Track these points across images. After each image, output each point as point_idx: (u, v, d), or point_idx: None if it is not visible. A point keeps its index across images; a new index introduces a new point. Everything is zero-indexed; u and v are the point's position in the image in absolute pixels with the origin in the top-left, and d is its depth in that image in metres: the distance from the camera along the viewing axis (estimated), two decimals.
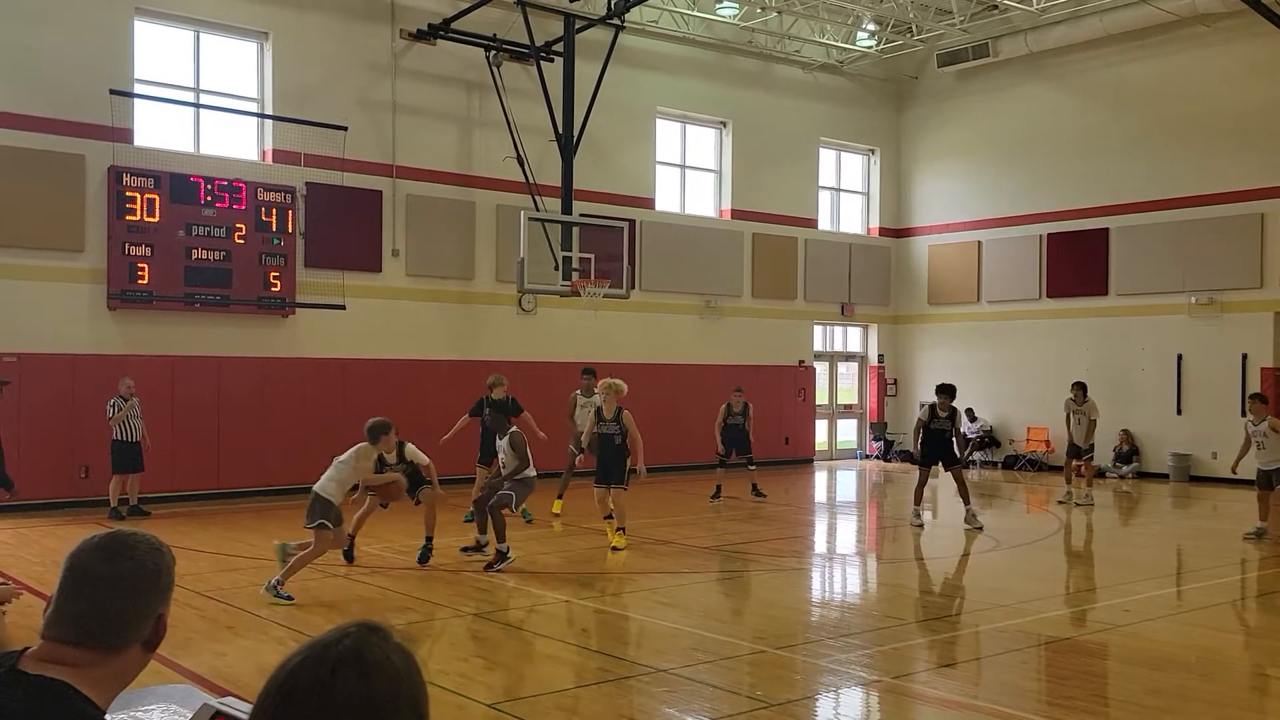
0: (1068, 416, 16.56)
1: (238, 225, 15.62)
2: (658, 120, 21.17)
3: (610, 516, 11.29)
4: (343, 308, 16.26)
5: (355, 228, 17.10)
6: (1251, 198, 18.96)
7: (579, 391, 14.41)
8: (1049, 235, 21.87)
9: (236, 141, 16.58)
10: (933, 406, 13.63)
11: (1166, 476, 19.84)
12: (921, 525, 13.32)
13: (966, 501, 13.20)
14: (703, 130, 22.20)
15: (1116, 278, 20.86)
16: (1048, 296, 21.94)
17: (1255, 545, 12.22)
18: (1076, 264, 21.37)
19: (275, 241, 16.02)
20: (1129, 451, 20.48)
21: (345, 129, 16.32)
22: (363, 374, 17.12)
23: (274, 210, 16.00)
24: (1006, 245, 22.56)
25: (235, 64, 16.61)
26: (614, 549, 11.01)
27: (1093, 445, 16.56)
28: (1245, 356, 19.15)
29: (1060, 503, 16.26)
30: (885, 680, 6.66)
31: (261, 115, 16.59)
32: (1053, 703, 6.17)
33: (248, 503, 15.07)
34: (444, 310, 18.20)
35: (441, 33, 17.71)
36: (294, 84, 16.62)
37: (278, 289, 16.03)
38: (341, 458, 9.19)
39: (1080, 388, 16.53)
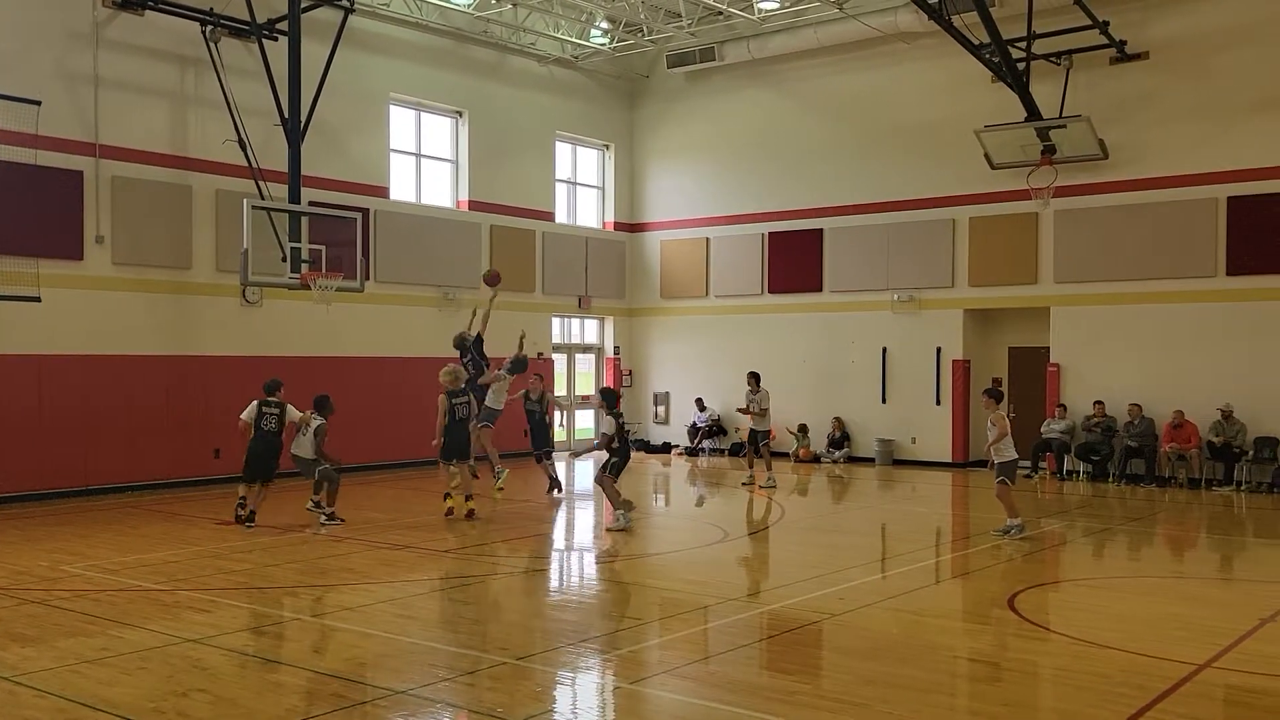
0: (747, 406, 17.71)
1: None
2: (391, 107, 20.59)
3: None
4: (37, 299, 14.77)
5: (52, 211, 15.59)
6: (946, 204, 20.76)
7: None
8: (770, 234, 23.06)
9: None
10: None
11: (873, 460, 21.46)
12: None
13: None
14: (438, 119, 21.79)
15: (830, 275, 22.29)
16: (769, 292, 23.14)
17: (1006, 540, 12.36)
18: (795, 262, 22.67)
19: None
20: (841, 438, 21.98)
21: (39, 104, 14.80)
22: (62, 372, 15.69)
23: None
24: (733, 242, 23.60)
25: None
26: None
27: (768, 431, 17.69)
28: (940, 350, 20.99)
29: (743, 484, 17.68)
30: (622, 686, 6.81)
31: None
32: (779, 699, 6.51)
33: None
34: (156, 302, 16.94)
35: (150, 2, 16.41)
36: None
37: None
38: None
39: (754, 378, 17.71)
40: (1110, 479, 18.40)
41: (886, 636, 8.01)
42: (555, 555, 12.35)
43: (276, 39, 17.19)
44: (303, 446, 13.29)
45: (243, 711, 6.09)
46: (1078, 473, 18.94)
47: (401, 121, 21.05)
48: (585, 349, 25.34)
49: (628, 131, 25.18)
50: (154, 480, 16.66)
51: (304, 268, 16.38)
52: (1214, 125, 18.09)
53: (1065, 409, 19.28)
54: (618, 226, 25.16)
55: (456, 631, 8.27)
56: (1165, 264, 18.51)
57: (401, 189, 20.95)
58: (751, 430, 17.72)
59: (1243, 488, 17.51)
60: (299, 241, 16.52)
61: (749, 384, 17.61)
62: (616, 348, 25.29)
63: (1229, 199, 17.97)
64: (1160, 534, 14.11)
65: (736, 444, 23.18)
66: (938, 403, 21.05)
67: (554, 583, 10.68)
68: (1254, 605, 9.18)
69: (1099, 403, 18.85)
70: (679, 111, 24.47)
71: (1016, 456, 12.85)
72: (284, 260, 16.40)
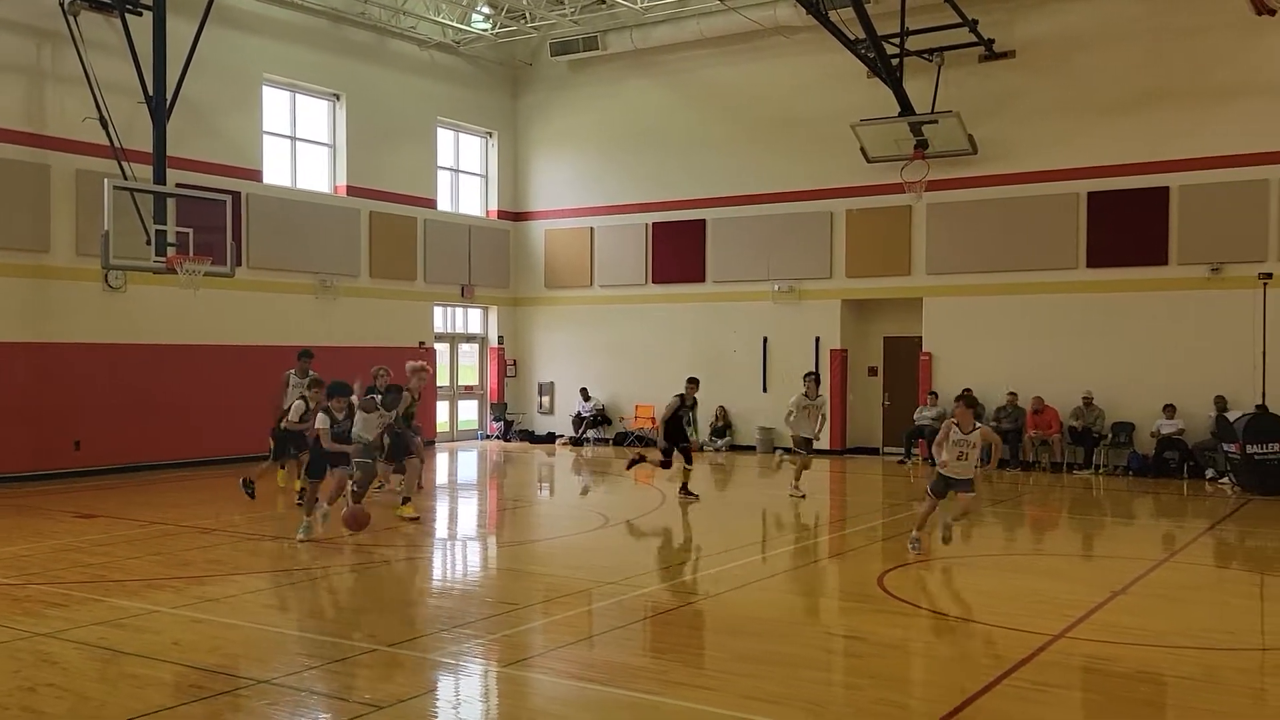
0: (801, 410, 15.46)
1: None
2: (264, 88, 19.98)
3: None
4: None
5: None
6: (824, 196, 21.18)
7: (293, 371, 14.39)
8: (654, 224, 23.17)
9: None
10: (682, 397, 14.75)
11: (754, 449, 21.77)
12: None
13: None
14: (314, 102, 21.25)
15: (712, 266, 22.52)
16: (653, 282, 23.26)
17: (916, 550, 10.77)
18: (678, 252, 22.83)
19: None
20: (723, 426, 22.24)
21: None
22: None
23: None
24: (617, 232, 23.63)
25: None
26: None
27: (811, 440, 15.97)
28: (818, 339, 21.42)
29: (796, 496, 15.10)
30: (498, 670, 6.75)
31: None
32: (653, 678, 6.54)
33: None
34: (12, 287, 16.13)
35: None
36: None
37: None
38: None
39: (815, 380, 15.63)
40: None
41: (760, 616, 8.13)
42: (432, 544, 12.17)
43: (141, 14, 16.50)
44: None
45: (94, 706, 5.83)
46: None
47: (276, 103, 20.44)
48: (469, 339, 25.07)
49: (511, 119, 24.97)
50: (11, 473, 15.84)
51: (170, 251, 15.79)
52: (1075, 123, 18.86)
53: (936, 397, 19.88)
54: (502, 215, 24.94)
55: (327, 620, 8.08)
56: (1030, 256, 19.24)
57: (276, 173, 20.35)
58: (803, 437, 14.98)
59: (1100, 471, 18.34)
60: (165, 224, 15.91)
61: (807, 385, 14.98)
62: (500, 337, 25.08)
63: (1089, 194, 18.77)
64: (1023, 515, 14.67)
65: (621, 434, 23.25)
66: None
67: (430, 571, 10.53)
68: (1107, 579, 9.63)
69: (967, 389, 19.45)
70: (563, 100, 24.37)
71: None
72: (149, 244, 15.79)
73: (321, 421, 11.00)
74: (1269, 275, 17.04)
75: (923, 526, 10.75)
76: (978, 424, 10.35)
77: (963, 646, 7.39)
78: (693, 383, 15.18)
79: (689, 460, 14.91)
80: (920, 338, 20.53)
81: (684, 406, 14.85)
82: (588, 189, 24.12)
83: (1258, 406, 16.28)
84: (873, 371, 21.71)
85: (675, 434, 14.73)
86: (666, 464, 14.87)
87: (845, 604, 9.08)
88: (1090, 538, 13.08)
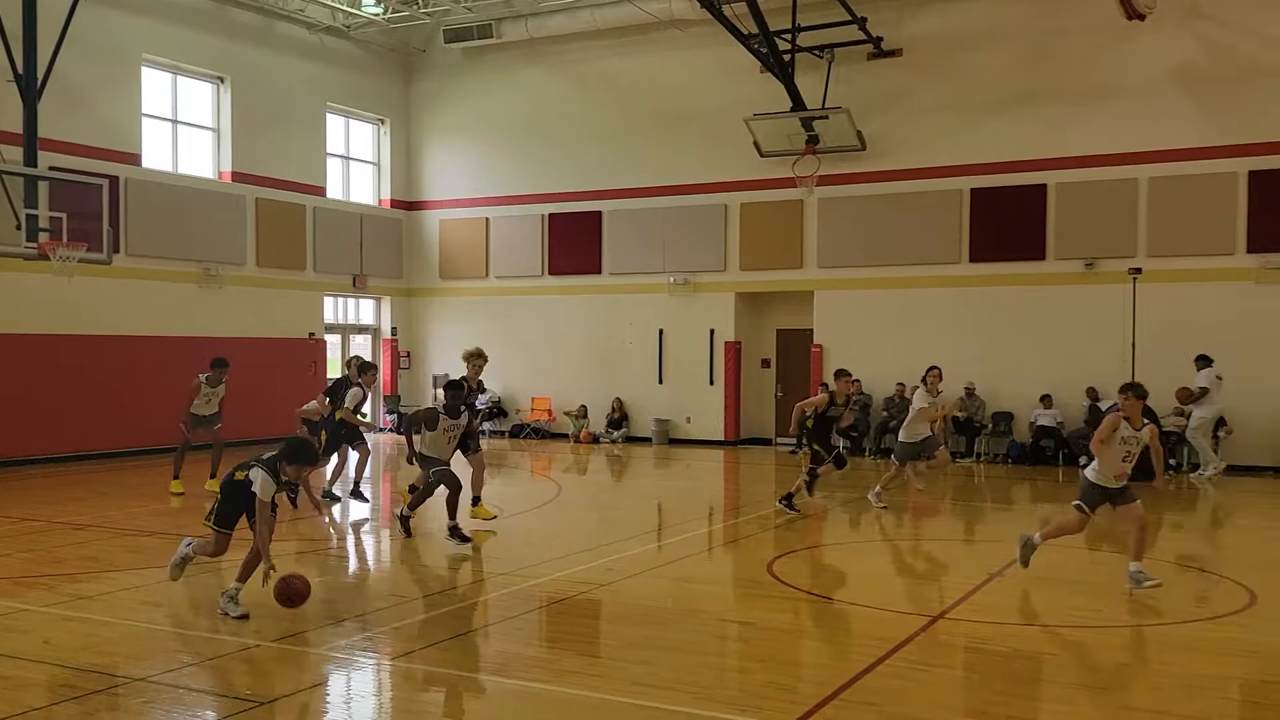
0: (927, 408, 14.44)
1: None
2: (144, 68, 19.28)
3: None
4: None
5: None
6: (718, 190, 21.38)
7: (205, 378, 13.58)
8: (551, 215, 23.08)
9: None
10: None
11: (650, 440, 21.90)
12: None
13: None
14: (197, 84, 20.58)
15: (609, 258, 22.54)
16: (550, 274, 23.17)
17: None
18: (574, 244, 22.79)
19: None
20: (619, 418, 22.31)
21: None
22: None
23: None
24: (513, 223, 23.48)
25: None
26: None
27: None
28: (713, 331, 21.63)
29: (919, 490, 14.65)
30: (384, 663, 6.66)
31: None
32: (543, 667, 6.54)
33: None
34: None
35: None
36: None
37: None
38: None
39: (938, 373, 14.54)
40: (866, 453, 19.50)
41: (652, 604, 8.19)
42: (322, 539, 11.92)
43: None
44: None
45: None
46: (839, 448, 19.91)
47: (156, 85, 19.73)
48: (361, 329, 24.61)
49: (404, 107, 24.57)
50: None
51: (42, 237, 15.12)
52: (959, 121, 19.42)
53: (827, 388, 20.19)
54: (394, 204, 24.54)
55: (208, 617, 7.84)
56: (917, 251, 19.75)
57: (156, 157, 19.65)
58: (927, 439, 13.05)
59: (982, 459, 18.96)
60: (36, 208, 15.23)
61: (930, 380, 13.09)
62: (394, 329, 24.70)
63: (972, 190, 19.35)
64: (908, 502, 15.07)
65: (517, 426, 23.13)
66: (711, 383, 21.69)
67: (319, 566, 10.32)
68: (985, 562, 9.96)
69: (856, 381, 19.90)
70: (458, 88, 24.08)
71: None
72: (19, 228, 15.09)
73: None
74: (1138, 270, 17.84)
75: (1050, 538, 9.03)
76: (1146, 420, 8.66)
77: (848, 629, 7.57)
78: (844, 376, 12.87)
79: (840, 464, 12.87)
80: (811, 330, 20.91)
81: (834, 405, 12.66)
82: (483, 179, 23.89)
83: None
84: (766, 363, 22.04)
85: (822, 436, 12.73)
86: (814, 475, 12.70)
87: (736, 590, 9.21)
88: (971, 523, 13.52)
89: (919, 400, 13.02)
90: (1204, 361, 16.50)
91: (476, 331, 23.75)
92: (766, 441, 21.69)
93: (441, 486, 10.33)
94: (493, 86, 23.62)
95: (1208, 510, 14.35)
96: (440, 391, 11.05)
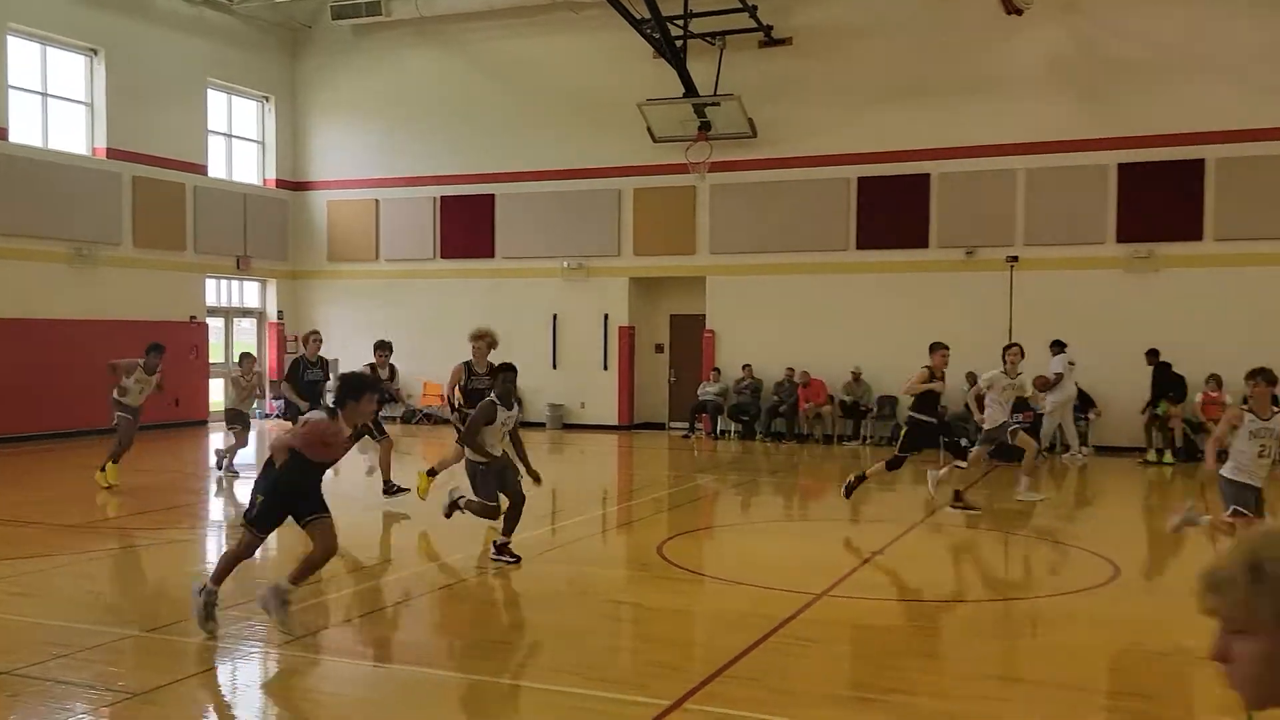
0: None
1: None
2: (10, 38, 18.36)
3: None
4: None
5: None
6: (612, 174, 21.39)
7: (141, 364, 12.96)
8: (442, 198, 22.78)
9: None
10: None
11: (544, 425, 21.85)
12: None
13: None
14: (69, 56, 19.68)
15: (502, 242, 22.37)
16: (442, 257, 22.89)
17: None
18: (467, 227, 22.55)
19: None
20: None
21: None
22: None
23: None
24: (403, 205, 23.10)
25: None
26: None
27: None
28: (607, 316, 21.67)
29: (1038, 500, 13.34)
30: (269, 651, 6.52)
31: None
32: (434, 652, 6.49)
33: None
34: None
35: None
36: None
37: None
38: None
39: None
40: (757, 437, 19.82)
41: (542, 588, 8.19)
42: (196, 527, 11.61)
43: None
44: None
45: None
46: (729, 432, 20.24)
47: (23, 56, 18.80)
48: (245, 313, 23.93)
49: (290, 84, 23.92)
50: None
51: None
52: (847, 110, 19.77)
53: (719, 373, 20.51)
54: (280, 184, 23.90)
55: (80, 607, 7.57)
56: (806, 238, 20.08)
57: (23, 131, 18.74)
58: (998, 427, 12.06)
59: (868, 442, 19.45)
60: None
61: (1010, 359, 12.10)
62: (280, 312, 24.08)
63: (859, 179, 19.76)
64: (797, 484, 15.39)
65: (409, 411, 22.80)
66: (605, 368, 21.74)
67: (193, 554, 10.04)
68: (868, 541, 10.24)
69: (746, 366, 20.23)
70: (347, 66, 23.54)
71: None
72: None
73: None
74: (1015, 258, 18.50)
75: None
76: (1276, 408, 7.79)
77: (734, 608, 7.70)
78: (939, 350, 11.71)
79: (961, 456, 11.56)
80: (704, 315, 21.11)
81: (935, 378, 11.63)
82: (373, 160, 23.43)
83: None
84: (659, 348, 22.19)
85: (929, 409, 11.75)
86: (898, 462, 11.81)
87: (627, 573, 9.27)
88: (856, 504, 13.84)
89: (997, 382, 11.84)
90: (1058, 347, 17.26)
91: (366, 315, 23.33)
92: (660, 426, 21.85)
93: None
94: (382, 65, 23.17)
95: (1072, 490, 14.99)
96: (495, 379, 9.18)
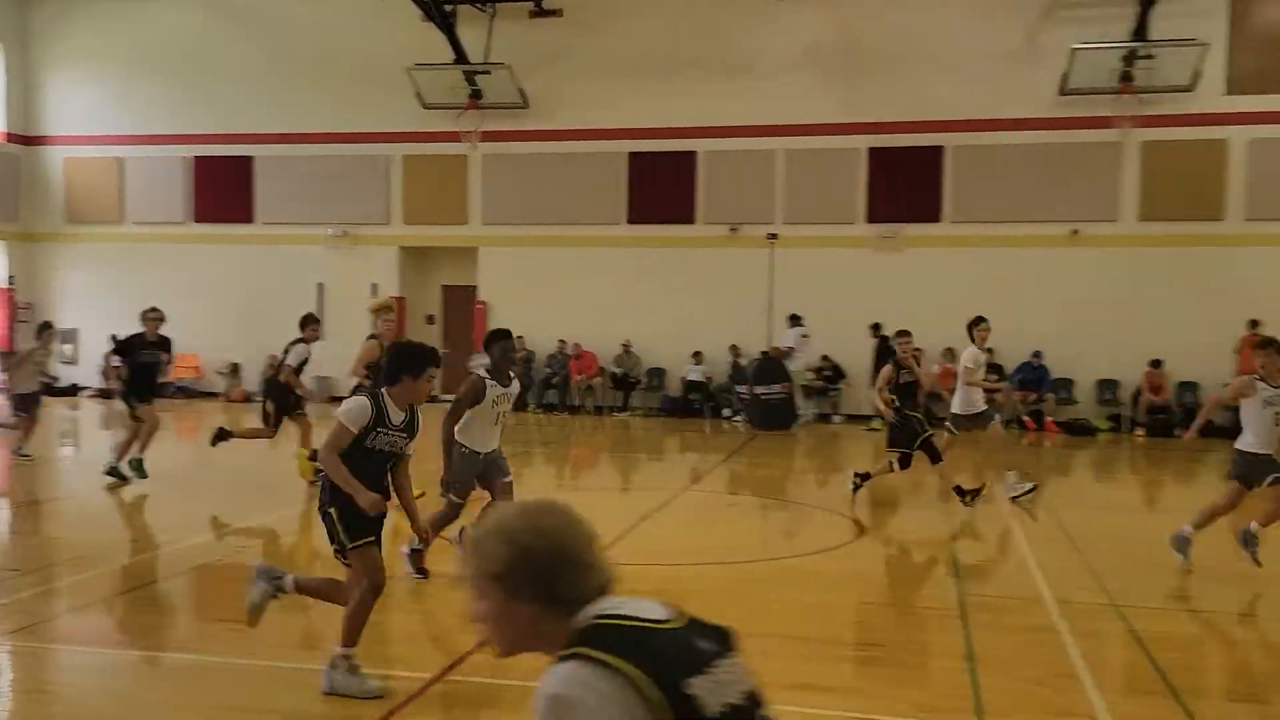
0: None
1: None
2: None
3: None
4: None
5: None
6: (380, 140, 20.81)
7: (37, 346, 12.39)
8: (196, 158, 21.52)
9: None
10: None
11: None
12: None
13: None
14: None
15: (261, 206, 21.37)
16: (196, 221, 21.63)
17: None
18: (223, 190, 21.42)
19: None
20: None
21: None
22: None
23: None
24: (152, 164, 21.68)
25: None
26: None
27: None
28: (376, 286, 21.10)
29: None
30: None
31: None
32: (172, 637, 6.21)
33: None
34: None
35: None
36: None
37: None
38: None
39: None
40: (529, 408, 19.90)
41: (302, 566, 7.97)
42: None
43: None
44: None
45: None
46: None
47: None
48: None
49: (21, 30, 21.86)
50: None
51: None
52: (619, 85, 20.00)
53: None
54: (10, 138, 21.87)
55: None
56: (580, 211, 20.24)
57: None
58: (983, 412, 10.85)
59: (637, 412, 19.91)
60: None
61: (979, 335, 10.64)
62: (11, 277, 22.08)
63: (630, 154, 20.07)
64: (568, 454, 15.60)
65: (161, 383, 21.42)
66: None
67: None
68: (638, 507, 10.52)
69: (519, 338, 20.23)
70: (87, 13, 21.73)
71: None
72: None
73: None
74: (775, 236, 19.35)
75: (1204, 526, 7.91)
76: None
77: None
78: (901, 337, 10.70)
79: (935, 457, 10.45)
80: (475, 286, 20.94)
81: (903, 370, 10.51)
82: (117, 115, 21.79)
83: (763, 352, 18.48)
84: (430, 320, 21.85)
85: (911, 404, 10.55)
86: (906, 461, 10.55)
87: (388, 549, 9.13)
88: (626, 472, 14.21)
89: (969, 359, 10.67)
90: (793, 321, 18.33)
91: (110, 282, 21.76)
92: (433, 399, 21.49)
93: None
94: (127, 15, 21.53)
95: (823, 456, 15.92)
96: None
